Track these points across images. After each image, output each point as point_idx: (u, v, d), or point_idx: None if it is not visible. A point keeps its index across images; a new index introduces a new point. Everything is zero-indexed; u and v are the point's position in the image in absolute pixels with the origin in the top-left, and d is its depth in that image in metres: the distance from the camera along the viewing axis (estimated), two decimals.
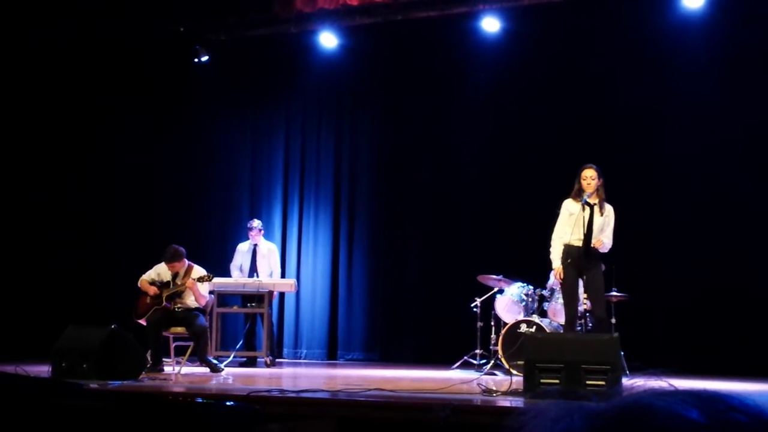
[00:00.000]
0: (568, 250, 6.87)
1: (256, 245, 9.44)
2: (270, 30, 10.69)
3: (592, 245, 6.81)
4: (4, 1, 9.86)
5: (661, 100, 9.52)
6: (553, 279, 8.51)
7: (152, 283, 8.09)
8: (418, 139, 10.76)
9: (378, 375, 7.72)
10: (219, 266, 9.26)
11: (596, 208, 6.86)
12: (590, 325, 7.33)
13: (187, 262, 8.13)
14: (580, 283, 7.03)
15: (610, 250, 7.03)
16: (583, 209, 6.84)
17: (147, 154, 11.11)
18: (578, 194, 6.92)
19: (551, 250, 7.04)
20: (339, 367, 9.71)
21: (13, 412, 3.06)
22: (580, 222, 6.83)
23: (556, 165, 9.32)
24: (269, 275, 9.29)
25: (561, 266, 6.91)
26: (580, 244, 6.86)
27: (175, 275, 8.06)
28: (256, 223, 9.51)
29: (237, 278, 9.23)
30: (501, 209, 10.03)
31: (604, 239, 6.84)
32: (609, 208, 6.92)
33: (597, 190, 6.89)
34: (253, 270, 9.35)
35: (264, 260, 9.38)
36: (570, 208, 6.99)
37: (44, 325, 8.38)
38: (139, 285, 8.13)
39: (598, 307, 6.87)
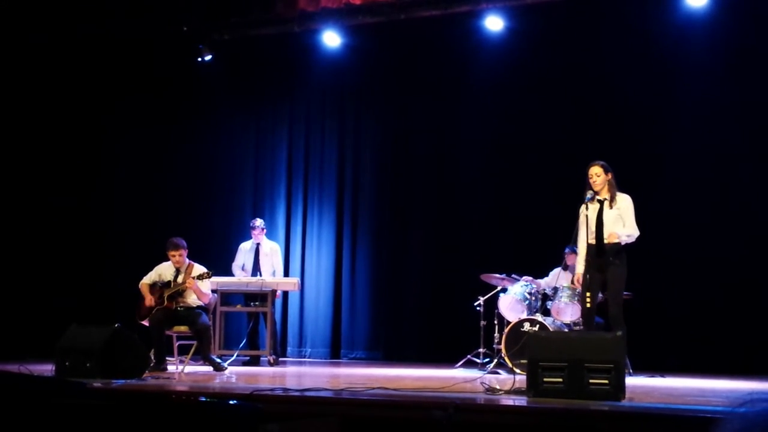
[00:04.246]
0: (588, 249, 6.90)
1: (258, 244, 9.45)
2: (273, 29, 10.70)
3: (606, 241, 6.75)
4: (3, 1, 9.87)
5: (665, 98, 9.50)
6: (550, 278, 8.52)
7: (153, 284, 8.10)
8: (422, 137, 10.75)
9: (381, 374, 7.71)
10: (222, 265, 9.26)
11: (606, 203, 6.83)
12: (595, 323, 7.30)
13: (187, 259, 8.14)
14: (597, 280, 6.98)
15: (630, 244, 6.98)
16: (587, 207, 6.82)
17: (150, 153, 11.12)
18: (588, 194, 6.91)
19: (578, 255, 7.08)
20: (342, 365, 9.70)
21: (16, 410, 3.06)
22: (593, 220, 6.81)
23: (559, 164, 9.33)
24: (272, 274, 9.29)
25: (581, 272, 6.91)
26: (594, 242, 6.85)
27: (176, 274, 8.06)
28: (259, 222, 9.51)
29: (240, 277, 9.23)
30: (504, 208, 10.02)
31: (621, 231, 6.74)
32: (622, 199, 6.81)
33: (606, 185, 6.85)
34: (255, 269, 9.35)
35: (267, 259, 9.39)
36: (585, 210, 6.98)
37: (48, 323, 8.40)
38: (139, 288, 8.14)
39: (612, 306, 6.81)
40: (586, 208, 6.89)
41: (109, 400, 4.50)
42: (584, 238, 6.96)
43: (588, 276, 6.82)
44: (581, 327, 7.42)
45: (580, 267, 7.02)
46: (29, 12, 10.05)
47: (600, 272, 6.76)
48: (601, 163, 6.87)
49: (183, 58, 11.00)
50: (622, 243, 6.76)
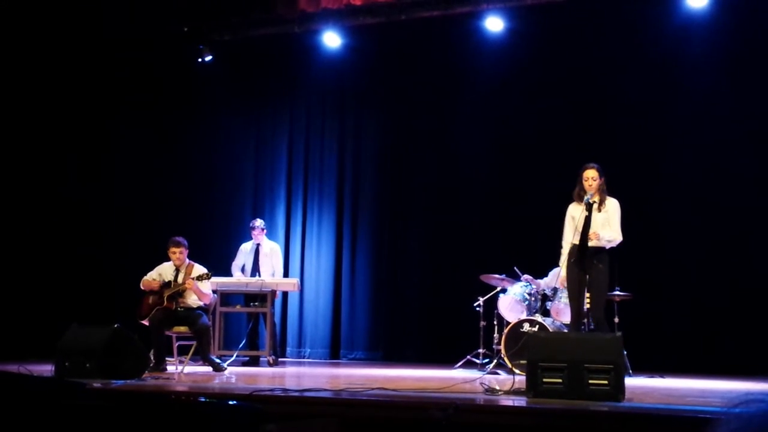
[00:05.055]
0: (572, 249, 6.89)
1: (258, 245, 9.45)
2: (273, 30, 10.70)
3: (588, 239, 6.75)
4: (4, 1, 9.88)
5: (664, 98, 9.51)
6: (549, 278, 8.52)
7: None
8: (422, 138, 10.76)
9: (381, 374, 7.72)
10: (222, 266, 9.26)
11: (595, 206, 6.83)
12: (592, 325, 7.31)
13: (188, 259, 8.14)
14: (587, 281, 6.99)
15: (614, 247, 6.99)
16: (585, 209, 6.82)
17: (150, 153, 11.12)
18: (579, 196, 6.90)
19: (561, 256, 7.07)
20: (342, 366, 9.70)
21: (16, 411, 3.06)
22: (581, 221, 6.82)
23: (559, 164, 9.31)
24: (272, 275, 9.29)
25: (564, 276, 6.92)
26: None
27: (176, 274, 8.06)
28: (259, 222, 9.51)
29: (239, 278, 9.23)
30: (504, 208, 10.03)
31: (604, 232, 6.75)
32: (610, 202, 6.83)
33: (599, 188, 6.85)
34: (255, 269, 9.35)
35: (267, 259, 9.39)
36: (572, 212, 6.99)
37: (48, 324, 8.40)
38: (141, 286, 8.13)
39: (597, 307, 6.84)
40: (587, 210, 6.88)
41: (108, 401, 4.50)
42: (569, 239, 6.98)
43: (575, 277, 6.83)
44: (583, 327, 7.41)
45: (563, 270, 7.03)
46: (29, 12, 10.05)
47: (584, 272, 6.79)
48: (597, 166, 6.87)
49: (183, 59, 11.00)
50: (602, 245, 6.74)
